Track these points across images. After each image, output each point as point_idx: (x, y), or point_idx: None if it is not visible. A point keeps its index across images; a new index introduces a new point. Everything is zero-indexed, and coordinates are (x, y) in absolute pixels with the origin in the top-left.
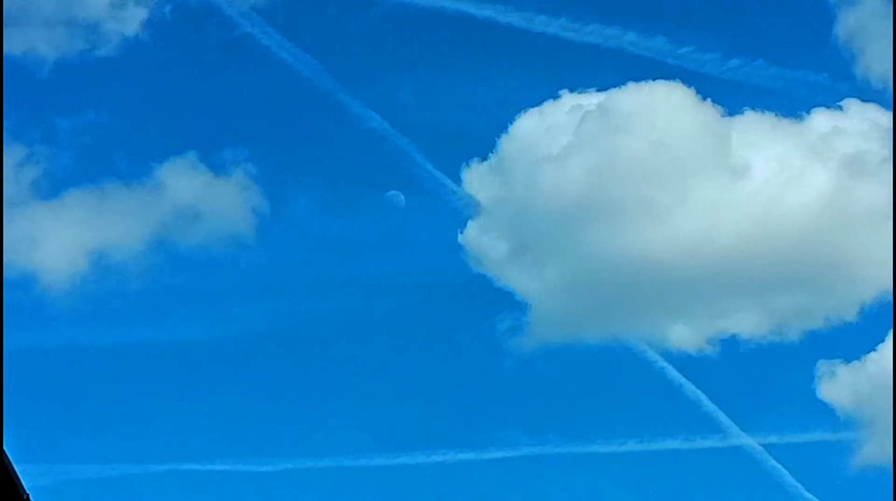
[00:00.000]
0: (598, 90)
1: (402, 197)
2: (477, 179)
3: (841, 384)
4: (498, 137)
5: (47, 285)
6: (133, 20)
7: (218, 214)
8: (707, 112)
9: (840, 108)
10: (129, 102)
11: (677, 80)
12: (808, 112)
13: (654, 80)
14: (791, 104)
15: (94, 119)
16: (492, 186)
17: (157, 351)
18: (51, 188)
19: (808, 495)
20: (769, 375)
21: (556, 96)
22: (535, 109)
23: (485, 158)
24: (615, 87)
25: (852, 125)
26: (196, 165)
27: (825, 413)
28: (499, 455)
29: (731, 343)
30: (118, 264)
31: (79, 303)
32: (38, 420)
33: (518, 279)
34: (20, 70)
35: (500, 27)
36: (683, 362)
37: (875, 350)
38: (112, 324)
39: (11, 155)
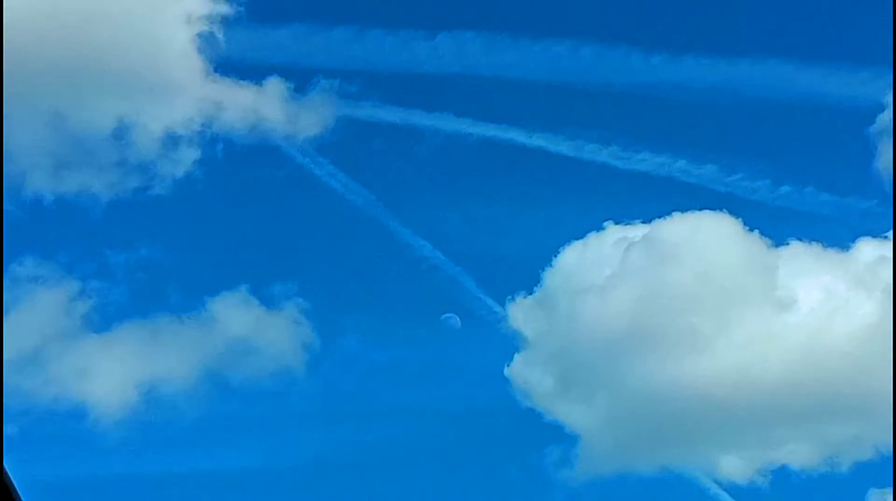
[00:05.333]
0: (643, 222)
1: (458, 319)
2: (522, 314)
3: None
4: (542, 270)
5: (99, 417)
6: (185, 160)
7: (269, 348)
8: (754, 243)
9: (886, 237)
10: (182, 237)
11: (724, 210)
12: (853, 242)
13: (700, 210)
14: (837, 234)
15: (148, 254)
16: (537, 320)
17: (208, 480)
18: (103, 321)
19: None
20: None
21: (600, 228)
22: (580, 241)
23: (530, 292)
24: (660, 217)
25: None
26: (248, 299)
27: None
28: None
29: (782, 474)
30: (169, 395)
31: (130, 434)
32: None
33: (566, 412)
34: (74, 209)
35: (550, 156)
36: (735, 493)
37: None
38: (163, 454)
39: (65, 289)
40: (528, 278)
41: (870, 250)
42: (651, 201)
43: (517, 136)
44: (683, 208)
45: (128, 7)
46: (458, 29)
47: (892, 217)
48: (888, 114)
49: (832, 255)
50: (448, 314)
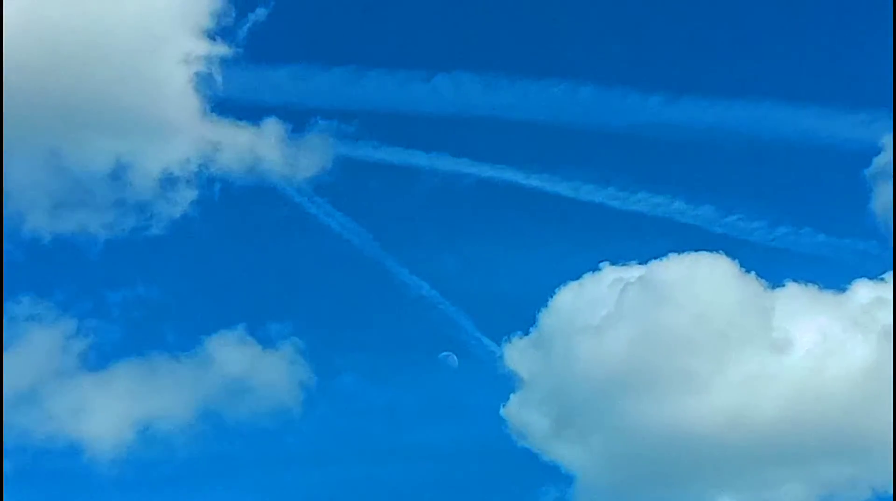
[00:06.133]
0: (640, 263)
1: (456, 358)
2: (518, 354)
3: None
4: (538, 311)
5: (94, 455)
6: (183, 200)
7: (265, 387)
8: (750, 285)
9: (882, 279)
10: (179, 277)
11: (721, 251)
12: (849, 283)
13: (697, 251)
14: (834, 275)
15: (145, 293)
16: (533, 361)
17: None
18: (99, 360)
19: None
20: None
21: (596, 269)
22: (576, 282)
23: (526, 333)
24: (656, 258)
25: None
26: (245, 338)
27: None
28: None
29: None
30: (165, 434)
31: (126, 472)
32: None
33: (562, 452)
34: (72, 248)
35: (547, 196)
36: None
37: None
38: (159, 492)
39: (62, 327)
40: (524, 319)
41: (866, 292)
42: (648, 241)
43: (514, 176)
44: (680, 250)
45: (126, 47)
46: (456, 70)
47: (892, 259)
48: (884, 156)
49: (828, 296)
50: (445, 353)
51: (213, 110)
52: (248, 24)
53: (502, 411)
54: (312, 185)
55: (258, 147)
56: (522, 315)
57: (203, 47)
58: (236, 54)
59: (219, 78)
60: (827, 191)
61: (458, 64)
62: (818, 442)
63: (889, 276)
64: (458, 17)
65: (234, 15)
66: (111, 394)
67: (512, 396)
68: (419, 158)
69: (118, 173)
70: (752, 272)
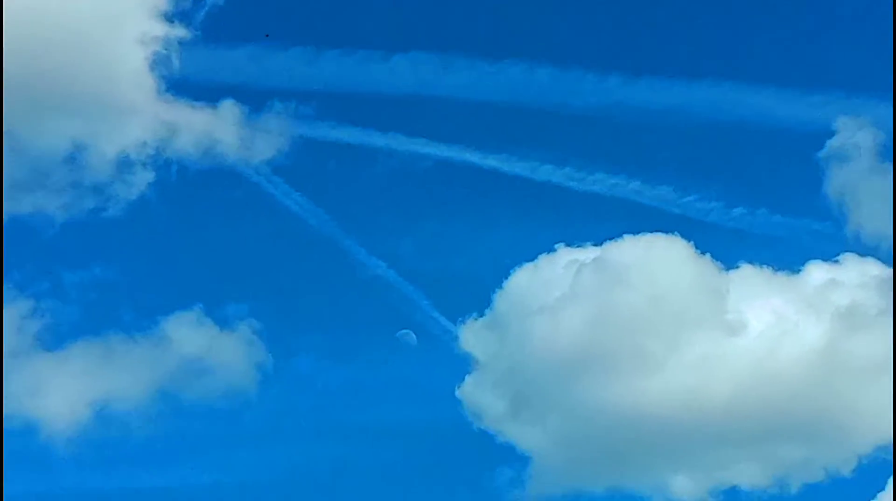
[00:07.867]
0: (595, 245)
1: (414, 336)
2: (473, 336)
3: None
4: (493, 292)
5: (51, 434)
6: (140, 182)
7: (222, 368)
8: (705, 266)
9: (837, 261)
10: (135, 258)
11: (676, 233)
12: (803, 265)
13: (653, 232)
14: (787, 257)
15: (101, 274)
16: (488, 342)
17: (159, 498)
18: (55, 340)
19: None
20: None
21: (552, 250)
22: (531, 263)
23: (481, 315)
24: (611, 240)
25: (848, 278)
26: (202, 318)
27: None
28: None
29: (732, 494)
30: (122, 414)
31: (82, 451)
32: None
33: (518, 433)
34: (28, 229)
35: (505, 177)
36: None
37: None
38: (115, 471)
39: (18, 308)
40: (479, 300)
41: (819, 274)
42: (603, 223)
43: (472, 156)
44: (635, 231)
45: (82, 28)
46: (414, 50)
47: (892, 248)
48: (837, 139)
49: (782, 278)
50: (403, 331)
51: (169, 91)
52: (205, 6)
53: (457, 392)
54: (270, 166)
55: (215, 128)
56: (478, 297)
57: (160, 29)
58: (193, 35)
59: (176, 59)
60: (782, 173)
61: (416, 44)
62: (772, 423)
63: (843, 257)
64: None
65: None
66: (68, 374)
67: (467, 377)
68: (377, 139)
69: (74, 155)
70: (707, 254)
